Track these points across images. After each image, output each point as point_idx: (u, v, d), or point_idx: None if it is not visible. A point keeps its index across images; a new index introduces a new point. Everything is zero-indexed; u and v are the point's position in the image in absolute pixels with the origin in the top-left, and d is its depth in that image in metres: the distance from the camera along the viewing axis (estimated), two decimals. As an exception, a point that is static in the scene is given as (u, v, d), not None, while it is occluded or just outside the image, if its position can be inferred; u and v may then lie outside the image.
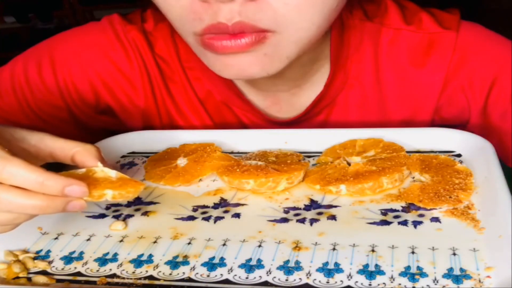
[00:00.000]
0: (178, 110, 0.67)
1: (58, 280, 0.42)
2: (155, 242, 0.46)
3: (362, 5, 0.62)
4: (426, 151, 0.56)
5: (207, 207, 0.50)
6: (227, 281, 0.40)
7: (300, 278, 0.39)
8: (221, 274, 0.41)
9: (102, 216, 0.51)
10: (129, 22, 0.65)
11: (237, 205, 0.50)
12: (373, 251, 0.42)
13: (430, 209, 0.46)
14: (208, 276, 0.41)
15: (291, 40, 0.50)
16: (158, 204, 0.52)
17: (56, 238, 0.48)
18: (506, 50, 0.60)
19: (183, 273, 0.41)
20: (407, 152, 0.54)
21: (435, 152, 0.55)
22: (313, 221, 0.46)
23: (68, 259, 0.45)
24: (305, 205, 0.49)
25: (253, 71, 0.51)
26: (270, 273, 0.40)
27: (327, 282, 0.39)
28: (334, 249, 0.42)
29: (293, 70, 0.57)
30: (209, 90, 0.65)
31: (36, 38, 0.73)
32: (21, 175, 0.38)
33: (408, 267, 0.39)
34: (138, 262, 0.43)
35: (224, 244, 0.44)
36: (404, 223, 0.45)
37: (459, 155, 0.55)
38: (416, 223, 0.44)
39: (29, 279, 0.43)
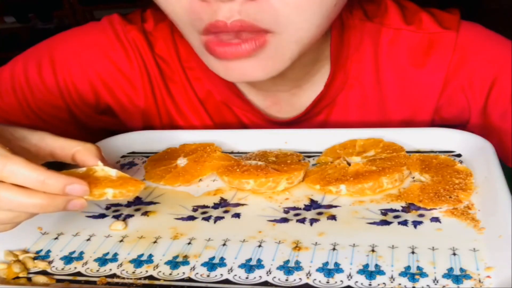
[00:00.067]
0: (178, 110, 0.67)
1: (58, 280, 0.42)
2: (155, 242, 0.46)
3: (362, 5, 0.62)
4: (426, 151, 0.56)
5: (207, 207, 0.50)
6: (227, 281, 0.40)
7: (300, 278, 0.39)
8: (221, 274, 0.41)
9: (102, 216, 0.51)
10: (129, 22, 0.65)
11: (237, 205, 0.50)
12: (373, 251, 0.42)
13: (430, 209, 0.46)
14: (208, 276, 0.41)
15: (291, 41, 0.50)
16: (158, 204, 0.52)
17: (56, 238, 0.48)
18: (506, 50, 0.60)
19: (183, 273, 0.41)
20: (407, 152, 0.54)
21: (435, 152, 0.55)
22: (313, 221, 0.46)
23: (68, 259, 0.45)
24: (305, 205, 0.49)
25: (256, 75, 0.51)
26: (270, 273, 0.40)
27: (327, 282, 0.39)
28: (334, 249, 0.42)
29: (294, 71, 0.58)
30: (209, 90, 0.65)
31: (36, 38, 0.73)
32: (22, 173, 0.38)
33: (408, 267, 0.39)
34: (138, 262, 0.43)
35: (224, 244, 0.44)
36: (404, 223, 0.45)
37: (459, 155, 0.55)
38: (416, 223, 0.44)
39: (29, 279, 0.43)
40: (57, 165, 0.48)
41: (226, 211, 0.49)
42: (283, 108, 0.65)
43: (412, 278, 0.38)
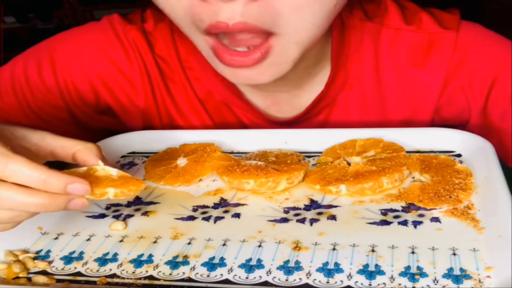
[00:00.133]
0: (178, 110, 0.67)
1: (58, 280, 0.42)
2: (155, 242, 0.46)
3: (362, 5, 0.62)
4: (426, 151, 0.56)
5: (207, 207, 0.50)
6: (227, 281, 0.40)
7: (300, 278, 0.39)
8: (221, 274, 0.41)
9: (102, 216, 0.51)
10: (129, 22, 0.65)
11: (237, 205, 0.50)
12: (373, 251, 0.42)
13: (430, 209, 0.46)
14: (208, 276, 0.41)
15: (293, 42, 0.50)
16: (158, 204, 0.52)
17: (56, 238, 0.48)
18: (506, 50, 0.60)
19: (183, 273, 0.41)
20: (407, 152, 0.54)
21: (435, 152, 0.55)
22: (313, 221, 0.46)
23: (68, 259, 0.45)
24: (305, 205, 0.49)
25: (262, 79, 0.53)
26: (270, 273, 0.40)
27: (327, 282, 0.39)
28: (334, 249, 0.42)
29: (295, 73, 0.58)
30: (209, 90, 0.65)
31: (36, 38, 0.73)
32: (23, 172, 0.38)
33: (408, 267, 0.39)
34: (138, 262, 0.43)
35: (224, 244, 0.44)
36: (404, 223, 0.45)
37: (459, 155, 0.55)
38: (416, 223, 0.44)
39: (29, 279, 0.43)
40: (58, 165, 0.48)
41: (226, 211, 0.49)
42: (283, 108, 0.65)
43: (412, 278, 0.38)
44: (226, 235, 0.46)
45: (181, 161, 0.57)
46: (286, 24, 0.48)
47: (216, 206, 0.50)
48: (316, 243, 0.43)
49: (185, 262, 0.43)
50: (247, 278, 0.40)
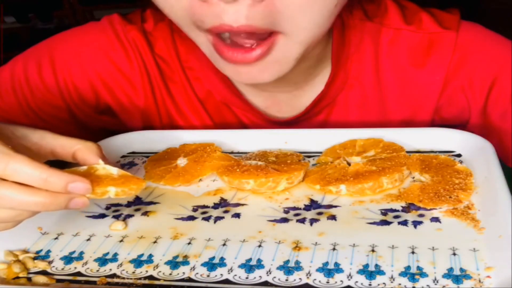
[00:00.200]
0: (178, 110, 0.67)
1: (58, 280, 0.42)
2: (155, 242, 0.46)
3: (362, 5, 0.62)
4: (426, 151, 0.56)
5: (207, 207, 0.50)
6: (227, 281, 0.40)
7: (300, 278, 0.39)
8: (221, 274, 0.41)
9: (102, 216, 0.51)
10: (129, 22, 0.65)
11: (237, 205, 0.50)
12: (373, 251, 0.42)
13: (430, 209, 0.46)
14: (208, 276, 0.41)
15: (296, 41, 0.50)
16: (158, 204, 0.52)
17: (56, 238, 0.48)
18: (506, 50, 0.60)
19: (183, 273, 0.41)
20: (407, 152, 0.54)
21: (435, 152, 0.55)
22: (313, 221, 0.46)
23: (68, 259, 0.45)
24: (305, 205, 0.49)
25: (264, 77, 0.52)
26: (270, 273, 0.40)
27: (327, 282, 0.39)
28: (334, 249, 0.42)
29: (296, 73, 0.58)
30: (209, 90, 0.65)
31: (36, 38, 0.73)
32: (24, 171, 0.38)
33: (408, 267, 0.39)
34: (138, 262, 0.43)
35: (224, 244, 0.44)
36: (404, 223, 0.45)
37: (459, 155, 0.55)
38: (416, 223, 0.44)
39: (29, 279, 0.43)
40: (58, 164, 0.48)
41: (226, 211, 0.49)
42: (283, 108, 0.65)
43: (412, 278, 0.38)
44: (226, 235, 0.46)
45: (181, 161, 0.57)
46: (290, 24, 0.48)
47: (216, 206, 0.50)
48: (316, 243, 0.43)
49: (185, 262, 0.43)
50: (247, 278, 0.40)
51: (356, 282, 0.38)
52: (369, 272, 0.39)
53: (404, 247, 0.42)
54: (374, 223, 0.45)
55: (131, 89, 0.65)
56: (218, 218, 0.48)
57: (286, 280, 0.40)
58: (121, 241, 0.47)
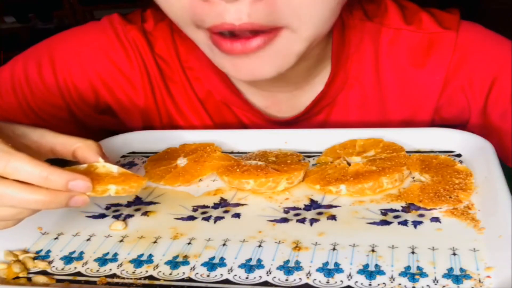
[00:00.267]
0: (178, 110, 0.67)
1: (58, 280, 0.42)
2: (155, 242, 0.46)
3: (362, 5, 0.62)
4: (426, 151, 0.56)
5: (207, 207, 0.50)
6: (227, 281, 0.40)
7: (300, 278, 0.39)
8: (221, 274, 0.41)
9: (102, 216, 0.51)
10: (129, 22, 0.65)
11: (237, 205, 0.50)
12: (373, 251, 0.42)
13: (430, 209, 0.46)
14: (208, 276, 0.41)
15: (301, 37, 0.50)
16: (158, 204, 0.52)
17: (56, 238, 0.48)
18: (506, 50, 0.60)
19: (183, 273, 0.41)
20: (407, 152, 0.54)
21: (435, 152, 0.55)
22: (313, 221, 0.46)
23: (68, 259, 0.45)
24: (305, 205, 0.49)
25: (265, 72, 0.51)
26: (270, 273, 0.40)
27: (327, 282, 0.39)
28: (334, 249, 0.42)
29: (296, 73, 0.58)
30: (209, 90, 0.65)
31: (36, 38, 0.73)
32: (25, 169, 0.38)
33: (408, 267, 0.39)
34: (138, 262, 0.43)
35: (224, 244, 0.44)
36: (404, 223, 0.45)
37: (459, 155, 0.55)
38: (416, 223, 0.44)
39: (29, 279, 0.43)
40: (58, 163, 0.48)
41: (226, 211, 0.49)
42: (283, 108, 0.65)
43: (412, 278, 0.38)
44: (226, 235, 0.46)
45: (181, 161, 0.57)
46: (296, 19, 0.48)
47: (216, 206, 0.50)
48: (316, 243, 0.43)
49: (185, 262, 0.43)
50: (247, 278, 0.40)
51: (356, 282, 0.38)
52: (369, 272, 0.39)
53: (404, 247, 0.42)
54: (374, 223, 0.45)
55: (131, 89, 0.65)
56: (218, 218, 0.48)
57: (286, 280, 0.39)
58: (121, 241, 0.47)
